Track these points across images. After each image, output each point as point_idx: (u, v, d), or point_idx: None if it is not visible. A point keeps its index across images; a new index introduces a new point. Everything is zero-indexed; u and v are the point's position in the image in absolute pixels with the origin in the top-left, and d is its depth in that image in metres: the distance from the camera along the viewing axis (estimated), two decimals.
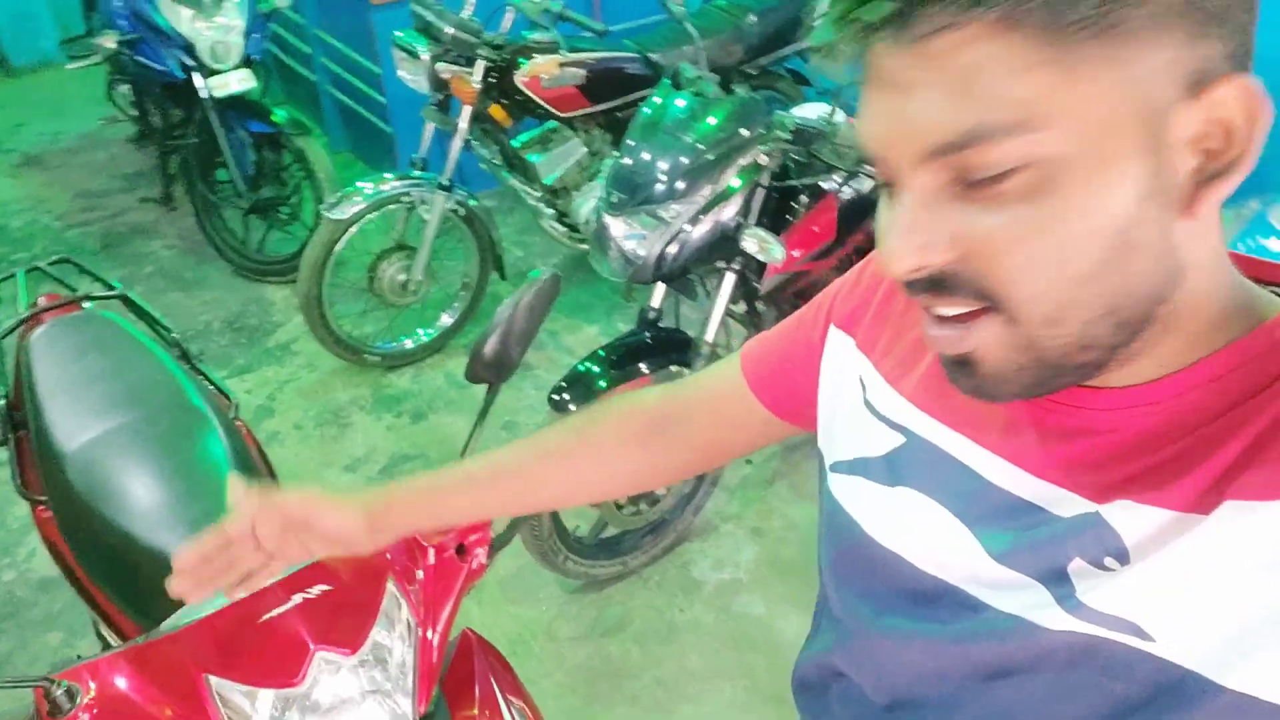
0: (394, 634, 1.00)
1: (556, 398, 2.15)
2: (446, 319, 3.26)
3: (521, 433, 2.93)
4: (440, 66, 2.80)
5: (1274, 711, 0.50)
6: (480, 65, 2.79)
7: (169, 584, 0.84)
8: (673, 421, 0.90)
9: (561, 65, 2.93)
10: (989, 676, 0.62)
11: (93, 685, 0.93)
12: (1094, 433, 0.57)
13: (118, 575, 1.47)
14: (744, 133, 2.01)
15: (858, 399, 0.73)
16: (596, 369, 2.17)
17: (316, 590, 0.98)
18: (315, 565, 0.99)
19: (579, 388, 2.16)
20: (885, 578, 0.69)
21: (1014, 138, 0.46)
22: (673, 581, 2.50)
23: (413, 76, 2.89)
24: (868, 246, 2.44)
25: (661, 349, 2.24)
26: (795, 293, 2.39)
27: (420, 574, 1.04)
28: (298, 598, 0.96)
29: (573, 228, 3.21)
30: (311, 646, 0.94)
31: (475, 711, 1.10)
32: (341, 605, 0.98)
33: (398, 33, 2.89)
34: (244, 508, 0.83)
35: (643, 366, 2.19)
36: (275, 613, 0.96)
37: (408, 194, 2.92)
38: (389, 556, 1.03)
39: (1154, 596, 0.53)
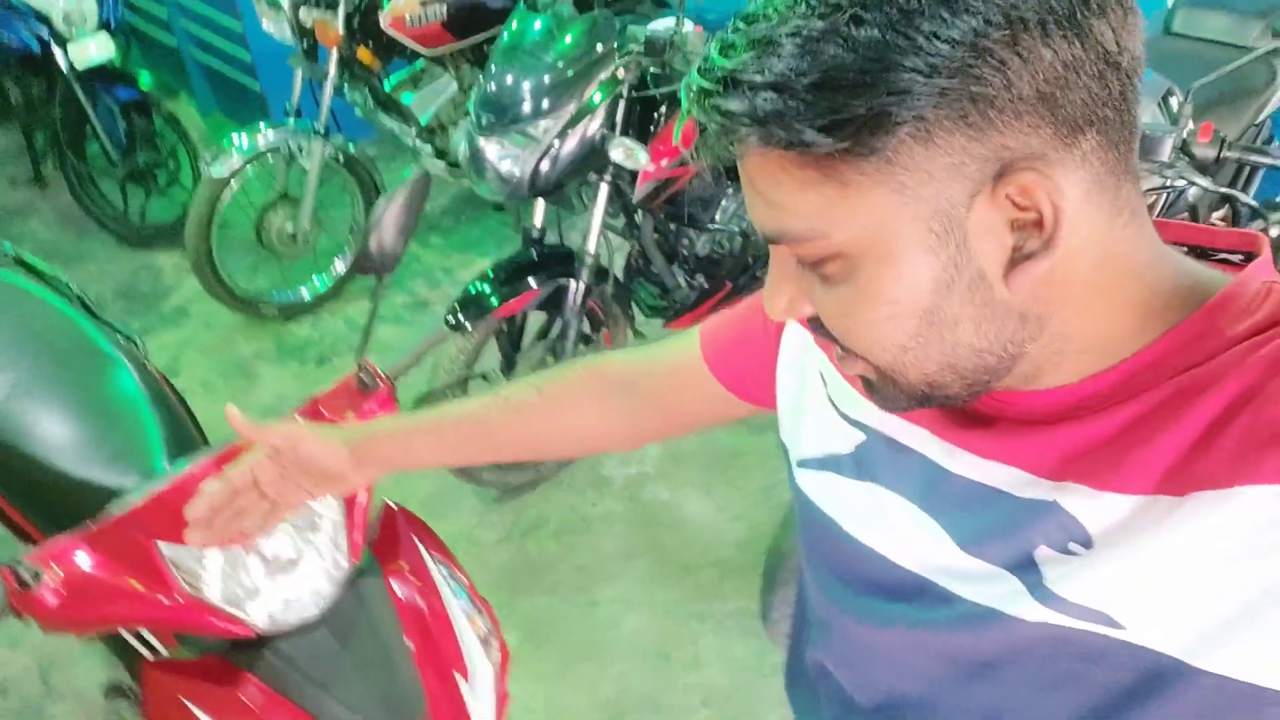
0: (323, 498, 1.14)
1: (452, 320, 2.28)
2: (340, 266, 3.33)
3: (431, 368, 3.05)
4: (303, 13, 2.84)
5: (1251, 691, 0.51)
6: (343, 7, 2.85)
7: (186, 535, 0.94)
8: (636, 386, 0.94)
9: (422, 3, 2.99)
10: (970, 672, 0.64)
11: (54, 565, 1.05)
12: (1038, 420, 0.59)
13: (52, 514, 1.56)
14: (599, 48, 2.14)
15: (821, 395, 0.75)
16: (487, 288, 2.30)
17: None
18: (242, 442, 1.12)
19: (472, 307, 2.29)
20: (861, 571, 0.70)
21: (809, 241, 0.53)
22: (584, 481, 2.67)
23: (275, 26, 2.93)
24: None
25: (547, 264, 2.38)
26: (668, 199, 2.55)
27: None
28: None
29: (454, 164, 3.30)
30: None
31: (404, 566, 1.25)
32: None
33: None
34: (246, 466, 0.95)
35: (531, 281, 2.33)
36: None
37: (284, 143, 2.96)
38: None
39: (1121, 584, 0.55)
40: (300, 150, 2.99)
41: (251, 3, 3.60)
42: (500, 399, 0.97)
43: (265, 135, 2.93)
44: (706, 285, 2.75)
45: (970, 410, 0.63)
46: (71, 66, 3.23)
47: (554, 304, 2.40)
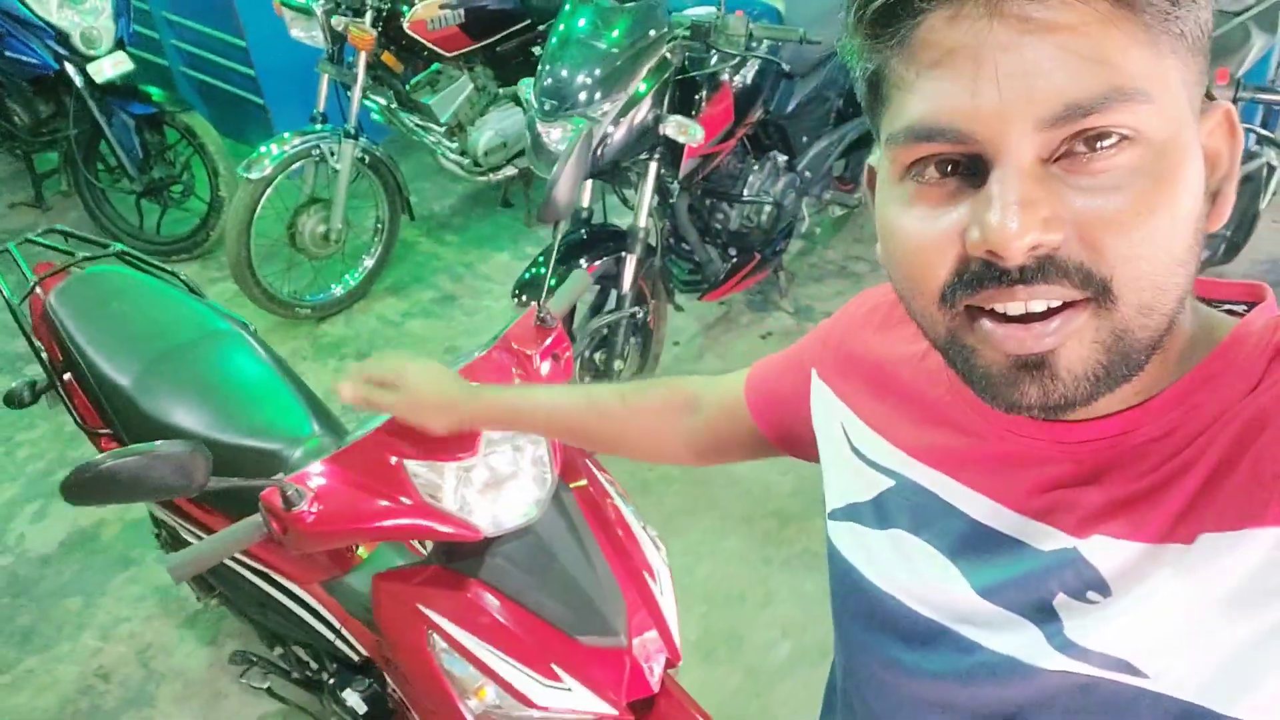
0: None
1: (517, 298, 2.42)
2: (368, 262, 3.43)
3: (457, 352, 3.17)
4: (335, 19, 2.95)
5: None
6: (370, 13, 2.96)
7: (339, 389, 1.13)
8: (700, 411, 0.98)
9: (441, 6, 3.12)
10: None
11: (312, 483, 1.17)
12: (1066, 466, 0.58)
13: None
14: (650, 33, 2.30)
15: (844, 446, 0.75)
16: (544, 270, 2.44)
17: None
18: (463, 369, 1.25)
19: (532, 287, 2.43)
20: (883, 621, 0.69)
21: (1134, 104, 0.47)
22: None
23: (308, 33, 3.03)
24: (763, 123, 2.79)
25: (597, 242, 2.52)
26: (704, 177, 2.72)
27: (540, 365, 1.32)
28: None
29: (474, 162, 3.43)
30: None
31: (587, 483, 1.39)
32: None
33: None
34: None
35: (585, 259, 2.47)
36: None
37: (317, 147, 3.06)
38: (514, 369, 1.29)
39: (1140, 632, 0.54)
40: (331, 153, 3.09)
41: (254, 20, 3.72)
42: (590, 400, 1.08)
43: (299, 139, 3.03)
44: (736, 258, 2.92)
45: (995, 456, 0.62)
46: (89, 84, 3.29)
47: (606, 280, 2.55)
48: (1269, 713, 0.50)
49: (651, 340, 2.82)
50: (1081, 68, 0.47)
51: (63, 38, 3.22)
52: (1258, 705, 0.50)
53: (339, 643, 1.59)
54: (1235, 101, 1.85)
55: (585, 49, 2.30)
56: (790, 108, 2.84)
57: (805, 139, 2.99)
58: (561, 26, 2.36)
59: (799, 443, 0.84)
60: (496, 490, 1.22)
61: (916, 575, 0.67)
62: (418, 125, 3.39)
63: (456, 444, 1.19)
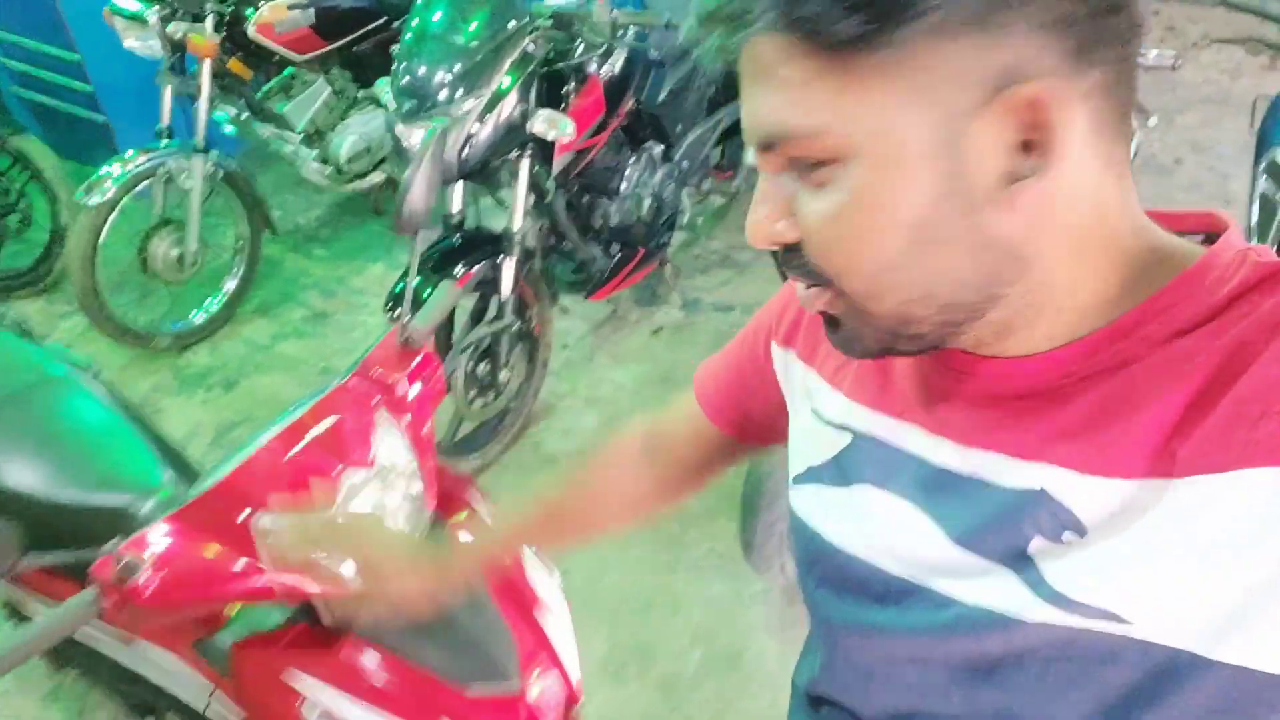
0: (398, 453, 1.15)
1: (390, 312, 2.28)
2: (230, 284, 3.22)
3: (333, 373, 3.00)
4: (171, 27, 2.74)
5: (1271, 680, 0.50)
6: (211, 18, 2.76)
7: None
8: (657, 452, 0.95)
9: (289, 8, 2.94)
10: (973, 679, 0.61)
11: (151, 548, 1.03)
12: (1010, 393, 0.59)
13: (42, 536, 1.50)
14: (510, 25, 2.19)
15: (807, 410, 0.75)
16: (418, 279, 2.31)
17: (326, 423, 1.11)
18: (316, 404, 1.12)
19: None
20: (854, 584, 0.68)
21: (814, 140, 0.51)
22: (529, 461, 2.70)
23: (142, 43, 2.80)
24: (637, 114, 2.71)
25: (471, 248, 2.40)
26: (579, 173, 2.62)
27: (404, 394, 1.20)
28: (312, 433, 1.10)
29: (336, 169, 3.25)
30: (339, 466, 1.09)
31: (466, 516, 1.27)
32: (348, 434, 1.13)
33: (117, 2, 2.78)
34: None
35: (461, 266, 2.35)
36: (295, 450, 1.09)
37: (163, 164, 2.85)
38: (378, 395, 1.17)
39: (1124, 577, 0.53)
40: (179, 171, 2.88)
41: (87, 31, 3.45)
42: (548, 493, 1.03)
43: (142, 159, 2.80)
44: (620, 254, 2.83)
45: (939, 390, 0.63)
46: None
47: (484, 287, 2.42)
48: (1256, 654, 0.50)
49: (538, 346, 2.71)
50: (768, 106, 0.53)
51: None
52: (1245, 647, 0.50)
53: (217, 706, 1.44)
54: None
55: (442, 44, 2.17)
56: (662, 96, 2.76)
57: (680, 128, 2.92)
58: (416, 21, 2.23)
59: (762, 428, 0.85)
60: None
61: (884, 531, 0.66)
62: (273, 135, 3.19)
63: (316, 490, 1.07)
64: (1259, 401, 0.49)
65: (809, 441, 0.74)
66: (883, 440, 0.67)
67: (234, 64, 2.95)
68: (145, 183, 2.87)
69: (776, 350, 0.80)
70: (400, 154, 2.21)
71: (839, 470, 0.70)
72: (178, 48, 2.80)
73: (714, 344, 3.04)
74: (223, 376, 3.07)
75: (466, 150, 2.21)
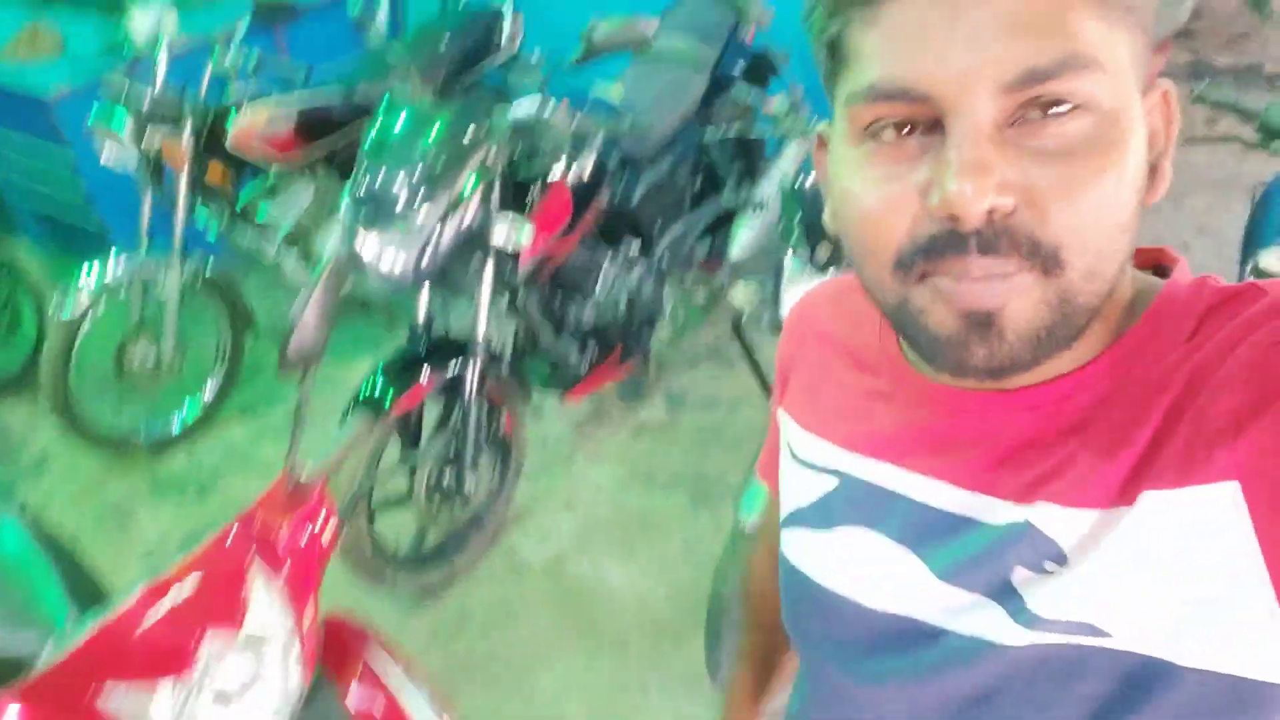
0: (271, 614, 1.07)
1: (349, 419, 2.21)
2: (210, 390, 3.19)
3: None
4: (147, 134, 2.75)
5: (1233, 683, 0.51)
6: (188, 127, 2.78)
7: None
8: (774, 549, 0.93)
9: (270, 114, 2.95)
10: (963, 710, 0.61)
11: None
12: (1005, 438, 0.59)
13: None
14: (469, 134, 2.16)
15: (788, 456, 0.76)
16: (379, 387, 2.25)
17: (189, 586, 1.03)
18: (180, 567, 1.05)
19: (366, 409, 2.23)
20: (842, 625, 0.68)
21: (1087, 73, 0.48)
22: (503, 569, 2.61)
23: (116, 154, 2.82)
24: (605, 218, 2.67)
25: (437, 354, 2.34)
26: (550, 276, 2.57)
27: (283, 554, 1.12)
28: (174, 595, 1.02)
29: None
30: (202, 632, 1.01)
31: (358, 677, 1.18)
32: (215, 594, 1.05)
33: (95, 113, 2.80)
34: None
35: (425, 372, 2.29)
36: (153, 616, 1.01)
37: (138, 273, 2.84)
38: (251, 550, 1.10)
39: (1099, 594, 0.54)
40: (156, 278, 2.87)
41: (80, 134, 3.49)
42: (753, 667, 0.98)
43: (115, 267, 2.80)
44: (596, 353, 2.77)
45: (935, 436, 0.63)
46: None
47: (450, 393, 2.36)
48: (1214, 658, 0.52)
49: (511, 450, 2.63)
50: (1041, 34, 0.48)
51: None
52: (1207, 652, 0.52)
53: None
54: None
55: (401, 152, 2.14)
56: (638, 195, 2.72)
57: (660, 225, 2.87)
58: (376, 129, 2.21)
59: None
60: (228, 707, 1.01)
61: (871, 571, 0.66)
62: (253, 242, 3.18)
63: (168, 657, 0.99)
64: (1208, 425, 0.51)
65: (791, 484, 0.75)
66: (874, 484, 0.67)
67: (213, 170, 2.95)
68: (122, 290, 2.87)
69: (780, 414, 0.80)
70: (358, 261, 2.17)
71: (823, 513, 0.70)
72: (154, 156, 2.81)
73: (697, 443, 3.00)
74: (198, 482, 3.02)
75: (425, 258, 2.16)
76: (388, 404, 2.23)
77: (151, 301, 2.96)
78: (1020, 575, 0.57)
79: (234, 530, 1.11)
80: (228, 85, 2.91)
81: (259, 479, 2.97)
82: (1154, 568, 0.53)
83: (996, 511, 0.59)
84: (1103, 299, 0.53)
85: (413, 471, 2.38)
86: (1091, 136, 0.50)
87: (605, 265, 2.71)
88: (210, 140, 2.90)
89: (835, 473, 0.70)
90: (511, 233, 2.15)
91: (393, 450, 2.39)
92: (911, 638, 0.63)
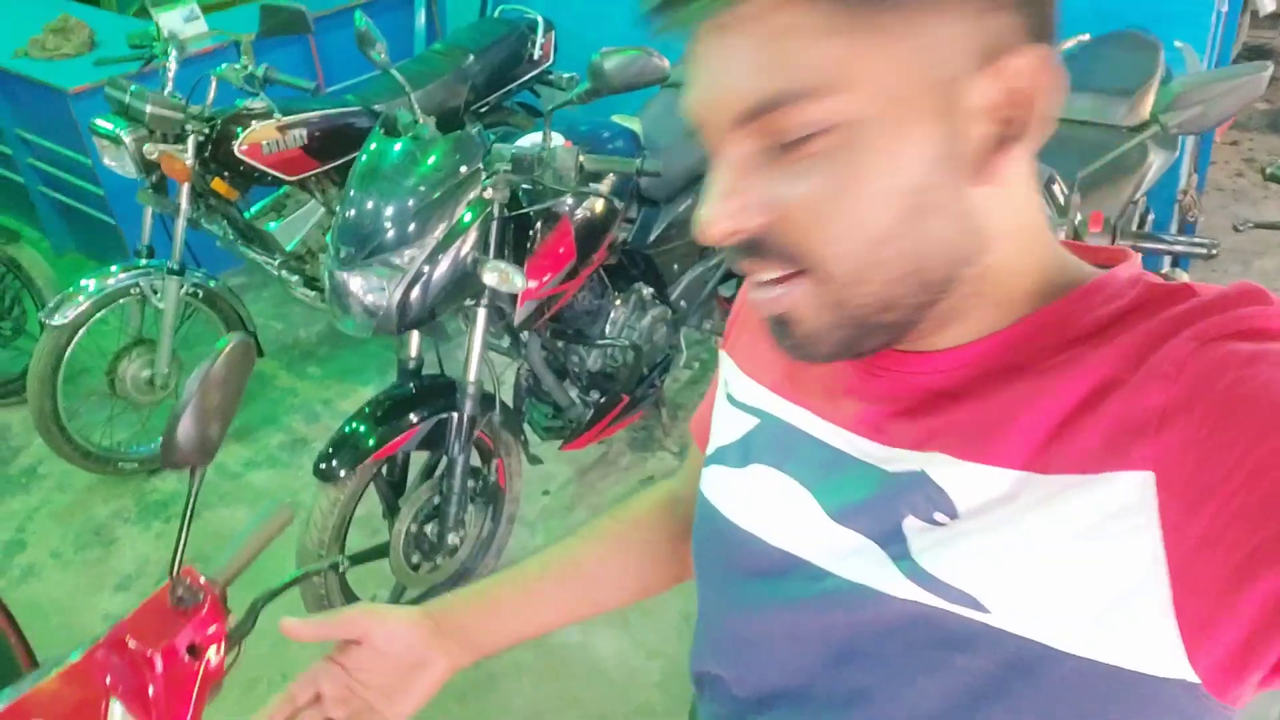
0: None
1: (324, 466, 2.07)
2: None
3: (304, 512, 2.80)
4: (147, 148, 2.64)
5: (1113, 672, 0.51)
6: (192, 140, 2.66)
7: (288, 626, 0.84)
8: (678, 498, 0.93)
9: (280, 129, 2.83)
10: (840, 654, 0.62)
11: None
12: (912, 392, 0.60)
13: None
14: (463, 169, 2.00)
15: (723, 396, 0.77)
16: (363, 428, 2.11)
17: None
18: (16, 702, 0.89)
19: (346, 451, 2.09)
20: (740, 558, 0.70)
21: (814, 102, 0.49)
22: None
23: (118, 162, 2.72)
24: (610, 265, 2.50)
25: (427, 396, 2.20)
26: (553, 317, 2.41)
27: (151, 688, 0.96)
28: None
29: (324, 291, 3.10)
30: None
31: None
32: None
33: (97, 120, 2.70)
34: (310, 672, 0.85)
35: (411, 417, 2.14)
36: None
37: (136, 285, 2.74)
38: (107, 679, 0.94)
39: (987, 563, 0.54)
40: (154, 291, 2.76)
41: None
42: (579, 537, 0.93)
43: (114, 278, 2.70)
44: (602, 400, 2.60)
45: (848, 387, 0.64)
46: None
47: (437, 439, 2.21)
48: (1101, 648, 0.52)
49: (502, 500, 2.47)
50: (763, 70, 0.50)
51: None
52: (1091, 641, 0.52)
53: None
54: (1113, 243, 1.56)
55: (388, 187, 2.00)
56: (652, 237, 2.55)
57: (677, 267, 2.70)
58: (362, 162, 2.06)
59: None
60: None
61: (774, 508, 0.68)
62: (257, 257, 3.06)
63: None
64: (1131, 415, 0.51)
65: (721, 424, 0.76)
66: (788, 424, 0.69)
67: (218, 183, 2.83)
68: (121, 301, 2.77)
69: (723, 357, 0.81)
70: (339, 301, 2.03)
71: (742, 451, 0.72)
72: (153, 168, 2.70)
73: None
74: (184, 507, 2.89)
75: (411, 302, 2.01)
76: (370, 447, 2.08)
77: (150, 315, 2.86)
78: (911, 524, 0.58)
79: (95, 654, 0.95)
80: (239, 98, 2.79)
81: (246, 508, 2.85)
82: (1050, 548, 0.53)
83: (894, 460, 0.60)
84: (904, 294, 0.54)
85: (392, 522, 2.23)
86: (835, 156, 0.50)
87: (615, 308, 2.54)
88: (216, 153, 2.78)
89: (757, 412, 0.72)
90: (503, 278, 1.98)
91: (372, 496, 2.25)
92: (798, 574, 0.65)
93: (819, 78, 0.49)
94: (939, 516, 0.57)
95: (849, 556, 0.61)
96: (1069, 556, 0.52)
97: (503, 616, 0.89)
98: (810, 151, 0.51)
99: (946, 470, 0.57)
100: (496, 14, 3.60)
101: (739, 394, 0.75)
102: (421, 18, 4.42)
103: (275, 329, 3.68)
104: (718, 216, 0.53)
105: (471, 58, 3.28)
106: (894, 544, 0.59)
